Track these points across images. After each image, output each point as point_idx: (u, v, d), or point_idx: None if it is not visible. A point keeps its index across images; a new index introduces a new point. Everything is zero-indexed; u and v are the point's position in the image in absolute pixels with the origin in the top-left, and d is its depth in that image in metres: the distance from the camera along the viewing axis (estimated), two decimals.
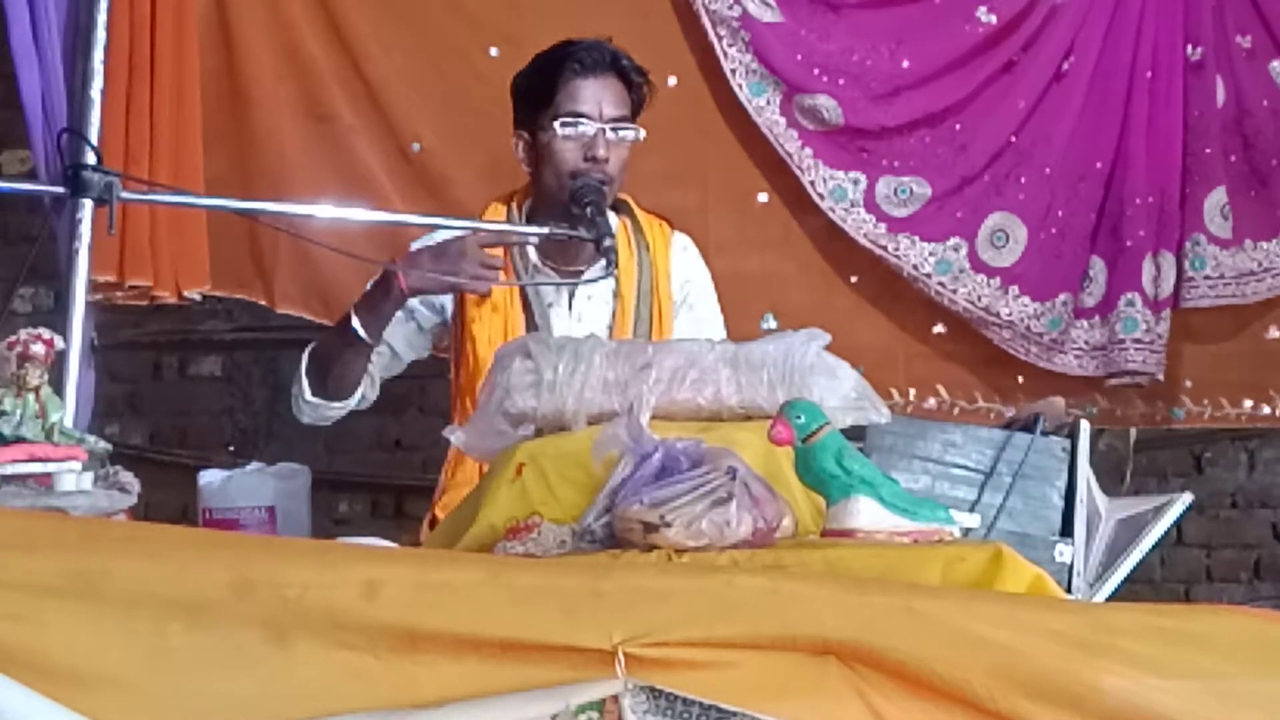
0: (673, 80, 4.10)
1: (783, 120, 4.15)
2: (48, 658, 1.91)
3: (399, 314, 3.33)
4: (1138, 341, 4.15)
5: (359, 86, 4.12)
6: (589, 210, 3.26)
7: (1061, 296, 4.20)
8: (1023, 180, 4.18)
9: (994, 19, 4.17)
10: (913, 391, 4.24)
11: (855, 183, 4.18)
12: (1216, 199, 4.15)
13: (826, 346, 2.68)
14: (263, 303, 4.17)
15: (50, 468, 2.38)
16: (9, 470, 2.35)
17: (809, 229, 4.22)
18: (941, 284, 4.18)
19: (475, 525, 2.53)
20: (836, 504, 2.40)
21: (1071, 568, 2.76)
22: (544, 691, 1.93)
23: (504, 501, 2.53)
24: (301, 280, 4.11)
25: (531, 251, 3.40)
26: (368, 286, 3.33)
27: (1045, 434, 2.86)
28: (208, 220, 3.95)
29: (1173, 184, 4.14)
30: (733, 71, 4.15)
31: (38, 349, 2.43)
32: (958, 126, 4.18)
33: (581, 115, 3.34)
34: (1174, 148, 4.15)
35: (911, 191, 4.18)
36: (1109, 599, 2.76)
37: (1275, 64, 4.16)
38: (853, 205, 4.18)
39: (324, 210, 3.61)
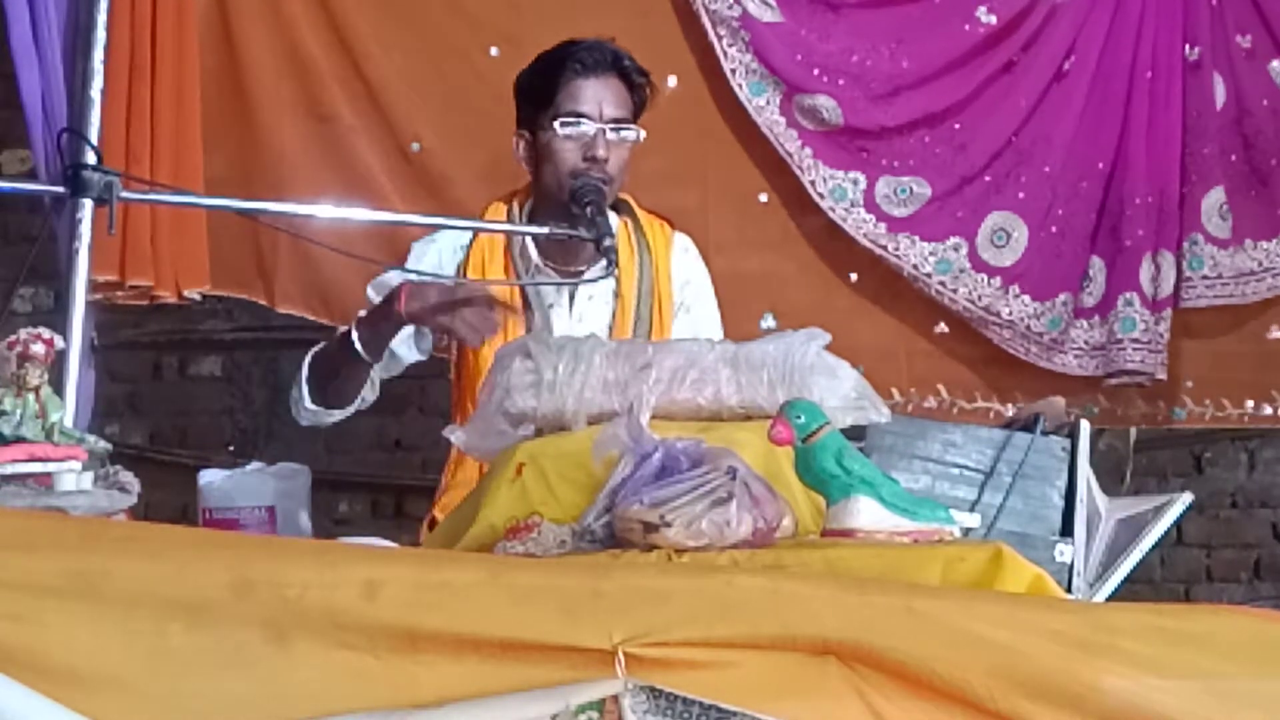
0: (673, 80, 4.10)
1: (783, 120, 4.15)
2: (48, 658, 1.91)
3: None
4: (1136, 341, 4.15)
5: (359, 86, 4.12)
6: (589, 210, 3.25)
7: (1061, 296, 4.20)
8: (1023, 180, 4.18)
9: (994, 19, 4.16)
10: (913, 391, 4.24)
11: (855, 183, 4.17)
12: (1215, 199, 4.15)
13: (827, 346, 2.68)
14: (263, 302, 4.17)
15: (50, 468, 2.37)
16: (9, 470, 2.35)
17: (809, 229, 4.22)
18: (942, 284, 4.18)
19: (475, 525, 2.53)
20: (836, 504, 2.40)
21: (1071, 568, 2.76)
22: (544, 691, 1.93)
23: (504, 501, 2.53)
24: (302, 280, 4.11)
25: (532, 251, 3.39)
26: (371, 298, 3.31)
27: (1045, 434, 2.86)
28: (208, 220, 3.96)
29: (1172, 184, 4.14)
30: (733, 71, 4.15)
31: (38, 349, 2.43)
32: (958, 126, 4.18)
33: (582, 115, 3.33)
34: (1173, 148, 4.15)
35: (911, 191, 4.18)
36: (1109, 599, 2.76)
37: (1275, 64, 4.16)
38: (853, 205, 4.18)
39: (324, 210, 3.60)
